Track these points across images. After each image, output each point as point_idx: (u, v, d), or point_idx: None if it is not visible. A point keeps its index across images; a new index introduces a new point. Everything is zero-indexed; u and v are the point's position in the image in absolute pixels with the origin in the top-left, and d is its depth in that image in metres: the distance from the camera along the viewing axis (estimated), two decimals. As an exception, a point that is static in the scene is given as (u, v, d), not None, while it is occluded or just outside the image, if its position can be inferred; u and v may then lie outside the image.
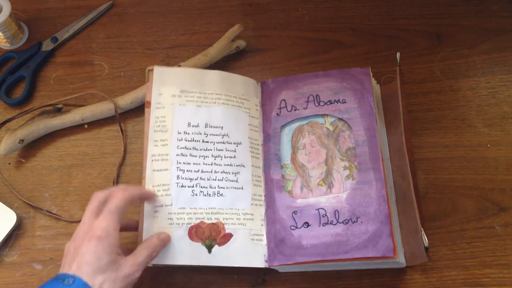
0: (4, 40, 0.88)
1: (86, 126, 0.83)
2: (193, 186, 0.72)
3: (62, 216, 0.78)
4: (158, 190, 0.72)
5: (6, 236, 0.75)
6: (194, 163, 0.73)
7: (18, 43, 0.89)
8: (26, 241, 0.77)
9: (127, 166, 0.81)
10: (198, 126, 0.75)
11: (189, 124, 0.75)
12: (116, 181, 0.79)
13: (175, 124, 0.75)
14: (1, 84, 0.85)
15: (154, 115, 0.75)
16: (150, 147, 0.73)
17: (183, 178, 0.73)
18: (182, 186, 0.72)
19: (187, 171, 0.73)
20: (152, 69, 0.77)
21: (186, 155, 0.74)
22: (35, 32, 0.90)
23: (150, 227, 0.70)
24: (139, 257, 0.65)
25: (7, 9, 0.84)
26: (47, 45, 0.88)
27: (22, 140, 0.79)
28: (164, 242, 0.69)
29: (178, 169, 0.73)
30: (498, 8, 0.89)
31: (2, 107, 0.85)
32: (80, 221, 0.76)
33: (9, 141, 0.79)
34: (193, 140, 0.75)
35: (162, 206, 0.71)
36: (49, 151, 0.82)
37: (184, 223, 0.71)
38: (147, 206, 0.71)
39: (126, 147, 0.82)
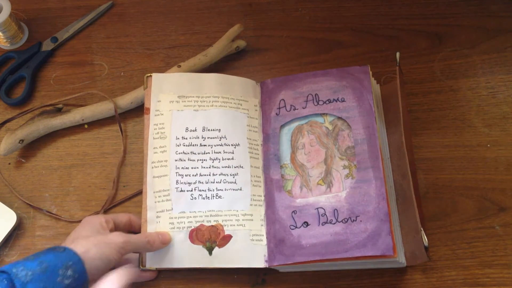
0: (4, 40, 0.88)
1: (86, 126, 0.83)
2: (191, 190, 0.73)
3: (62, 216, 0.78)
4: (159, 196, 0.72)
5: (6, 236, 0.75)
6: (192, 167, 0.74)
7: (18, 43, 0.89)
8: (26, 241, 0.77)
9: (127, 166, 0.81)
10: (195, 130, 0.75)
11: (186, 129, 0.75)
12: (117, 182, 0.79)
13: (173, 130, 0.75)
14: (1, 84, 0.85)
15: (153, 122, 0.75)
16: (150, 154, 0.74)
17: (182, 183, 0.73)
18: (181, 190, 0.72)
19: (185, 175, 0.73)
20: (151, 76, 0.77)
21: (185, 160, 0.74)
22: (35, 32, 0.90)
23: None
24: (130, 236, 0.66)
25: (7, 9, 0.84)
26: (47, 45, 0.88)
27: (22, 140, 0.79)
28: (163, 242, 0.69)
29: (177, 174, 0.73)
30: (498, 8, 0.89)
31: (2, 107, 0.85)
32: (80, 221, 0.77)
33: (9, 141, 0.79)
34: (191, 145, 0.75)
35: (163, 211, 0.72)
36: (49, 151, 0.82)
37: (184, 227, 0.71)
38: (149, 212, 0.71)
39: (126, 147, 0.82)
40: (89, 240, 0.63)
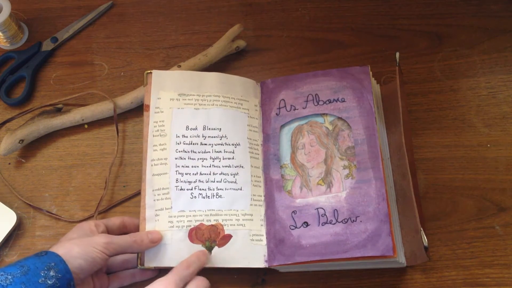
0: (4, 40, 0.88)
1: (86, 126, 0.83)
2: (192, 189, 0.73)
3: (62, 216, 0.78)
4: (158, 194, 0.72)
5: (6, 236, 0.75)
6: (192, 166, 0.74)
7: (18, 43, 0.89)
8: (26, 241, 0.77)
9: (127, 166, 0.81)
10: (196, 129, 0.75)
11: (187, 128, 0.75)
12: (111, 182, 0.79)
13: (174, 128, 0.75)
14: (1, 84, 0.85)
15: (153, 119, 0.75)
16: (150, 152, 0.74)
17: (182, 181, 0.73)
18: (181, 189, 0.72)
19: (185, 174, 0.73)
20: (151, 73, 0.77)
21: (185, 159, 0.74)
22: (35, 32, 0.90)
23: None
24: (117, 237, 0.66)
25: (7, 9, 0.84)
26: (47, 45, 0.88)
27: (22, 140, 0.79)
28: (152, 241, 0.69)
29: (177, 172, 0.73)
30: (498, 8, 0.89)
31: (2, 107, 0.85)
32: (80, 221, 0.77)
33: (9, 141, 0.79)
34: (191, 143, 0.75)
35: (163, 209, 0.71)
36: (49, 151, 0.82)
37: (184, 226, 0.71)
38: (148, 210, 0.71)
39: (123, 148, 0.82)
40: (72, 242, 0.64)
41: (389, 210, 0.69)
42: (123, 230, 0.72)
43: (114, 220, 0.72)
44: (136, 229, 0.72)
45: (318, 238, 0.69)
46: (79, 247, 0.63)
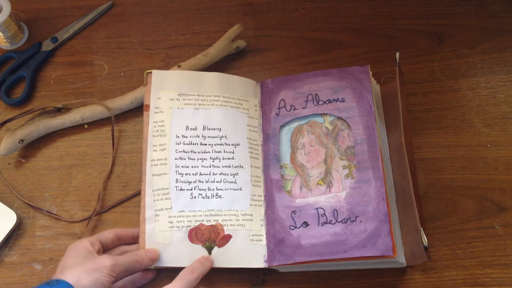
0: (4, 40, 0.88)
1: (86, 126, 0.83)
2: (191, 189, 0.73)
3: (62, 216, 0.78)
4: (158, 194, 0.72)
5: (6, 236, 0.75)
6: (192, 166, 0.74)
7: (18, 43, 0.89)
8: (26, 241, 0.77)
9: (127, 166, 0.81)
10: (196, 129, 0.75)
11: (187, 128, 0.75)
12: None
13: (173, 128, 0.75)
14: (1, 84, 0.85)
15: (152, 119, 0.75)
16: (149, 152, 0.74)
17: (181, 182, 0.73)
18: (181, 189, 0.72)
19: (185, 174, 0.73)
20: (151, 73, 0.77)
21: (185, 159, 0.74)
22: (35, 32, 0.90)
23: (152, 231, 0.71)
24: (118, 258, 0.66)
25: (7, 9, 0.84)
26: (47, 45, 0.88)
27: (22, 140, 0.79)
28: (152, 259, 0.69)
29: (177, 172, 0.73)
30: (498, 8, 0.89)
31: (2, 107, 0.85)
32: (80, 221, 0.77)
33: (9, 141, 0.79)
34: (191, 143, 0.75)
35: (162, 209, 0.71)
36: (49, 151, 0.82)
37: (184, 226, 0.71)
38: (148, 211, 0.71)
39: (124, 148, 0.82)
40: (79, 268, 0.63)
41: (389, 210, 0.69)
42: (116, 243, 0.72)
43: (107, 235, 0.71)
44: (130, 239, 0.72)
45: (318, 238, 0.69)
46: (88, 274, 0.62)
